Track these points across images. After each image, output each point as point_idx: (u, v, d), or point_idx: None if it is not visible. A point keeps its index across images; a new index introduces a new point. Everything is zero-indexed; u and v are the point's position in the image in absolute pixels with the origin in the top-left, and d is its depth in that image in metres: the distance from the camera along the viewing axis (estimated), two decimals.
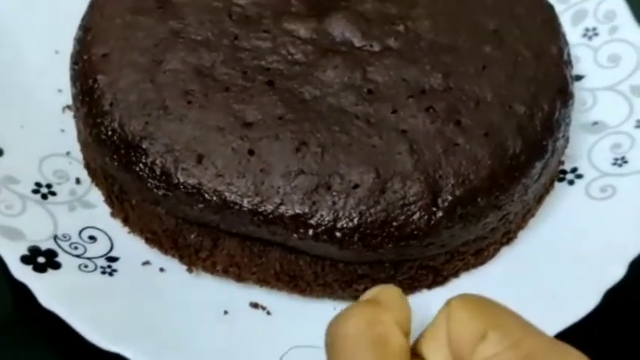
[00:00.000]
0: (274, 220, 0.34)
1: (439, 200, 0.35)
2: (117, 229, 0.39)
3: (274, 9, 0.39)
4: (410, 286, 0.37)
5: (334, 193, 0.34)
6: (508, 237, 0.39)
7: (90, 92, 0.37)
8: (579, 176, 0.42)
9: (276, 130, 0.35)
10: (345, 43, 0.38)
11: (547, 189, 0.41)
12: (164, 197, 0.35)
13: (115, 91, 0.37)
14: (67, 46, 0.43)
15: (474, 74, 0.38)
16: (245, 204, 0.34)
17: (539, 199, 0.40)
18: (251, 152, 0.35)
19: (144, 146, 0.35)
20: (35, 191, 0.38)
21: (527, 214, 0.40)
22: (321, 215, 0.34)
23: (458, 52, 0.38)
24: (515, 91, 0.38)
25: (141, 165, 0.35)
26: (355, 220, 0.34)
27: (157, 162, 0.35)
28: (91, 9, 0.41)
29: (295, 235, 0.34)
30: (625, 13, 0.46)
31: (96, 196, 0.40)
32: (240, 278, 0.37)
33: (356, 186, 0.34)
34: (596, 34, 0.46)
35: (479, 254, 0.38)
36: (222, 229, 0.36)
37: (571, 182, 0.41)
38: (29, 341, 0.37)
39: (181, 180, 0.35)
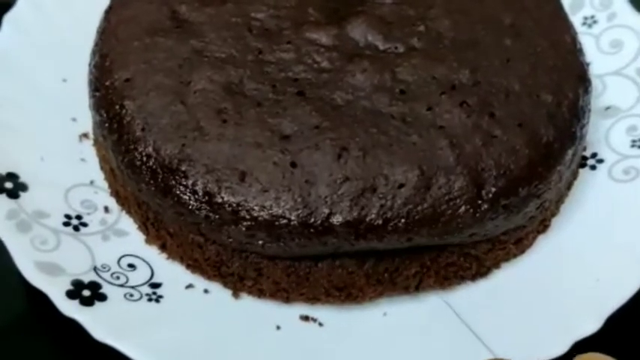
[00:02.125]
0: (325, 230, 0.32)
1: (483, 192, 0.34)
2: (154, 255, 0.37)
3: (293, 20, 0.38)
4: (455, 275, 0.36)
5: (381, 195, 0.33)
6: (544, 225, 0.38)
7: (118, 119, 0.35)
8: (600, 161, 0.41)
9: (315, 140, 0.34)
10: (369, 46, 0.37)
11: (575, 175, 0.40)
12: (206, 219, 0.33)
13: (145, 115, 0.35)
14: (74, 74, 0.41)
15: (499, 67, 0.37)
16: (294, 217, 0.32)
17: (569, 186, 0.39)
18: (293, 164, 0.33)
19: (183, 169, 0.33)
20: (66, 224, 0.36)
21: (559, 201, 0.39)
22: (371, 219, 0.33)
23: (480, 47, 0.37)
24: (541, 81, 0.37)
25: (181, 188, 0.33)
26: (404, 220, 0.33)
27: (199, 183, 0.33)
28: (103, 34, 0.39)
29: (347, 242, 0.33)
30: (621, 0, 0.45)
31: (128, 223, 0.38)
32: (288, 300, 0.35)
33: (401, 185, 0.33)
34: (595, 22, 0.46)
35: (519, 243, 0.37)
36: (265, 256, 0.34)
37: (593, 167, 0.41)
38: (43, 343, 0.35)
39: (225, 199, 0.33)
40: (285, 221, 0.32)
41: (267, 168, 0.33)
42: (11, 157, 0.38)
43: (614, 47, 0.44)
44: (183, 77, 0.35)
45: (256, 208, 0.33)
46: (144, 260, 0.36)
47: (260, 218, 0.32)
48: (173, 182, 0.33)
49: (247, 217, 0.33)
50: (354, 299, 0.35)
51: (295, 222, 0.32)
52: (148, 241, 0.37)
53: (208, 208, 0.33)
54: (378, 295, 0.35)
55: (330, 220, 0.32)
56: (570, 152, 0.36)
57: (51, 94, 0.41)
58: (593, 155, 0.41)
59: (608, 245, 0.37)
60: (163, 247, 0.36)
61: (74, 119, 0.41)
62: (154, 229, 0.36)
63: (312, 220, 0.32)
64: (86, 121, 0.41)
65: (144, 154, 0.34)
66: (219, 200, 0.33)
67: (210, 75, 0.35)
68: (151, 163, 0.34)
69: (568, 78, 0.38)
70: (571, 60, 0.39)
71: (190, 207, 0.33)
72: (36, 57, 0.42)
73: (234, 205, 0.33)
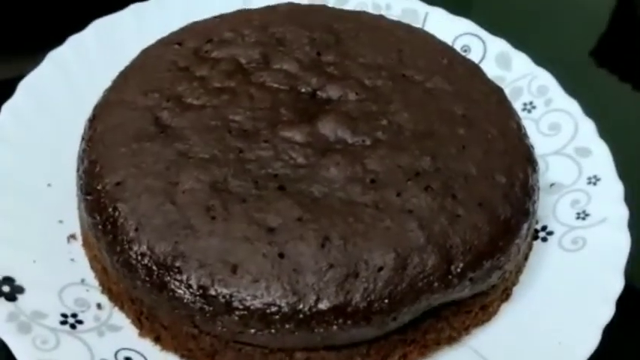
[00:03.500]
0: (313, 315, 0.34)
1: (452, 268, 0.36)
2: (149, 347, 0.38)
3: (268, 120, 0.40)
4: (433, 341, 0.38)
5: (363, 279, 0.35)
6: (506, 293, 0.41)
7: (112, 220, 0.37)
8: (550, 233, 0.44)
9: (299, 231, 0.36)
10: (339, 141, 0.40)
11: (530, 247, 0.43)
12: (201, 311, 0.35)
13: (137, 216, 0.36)
14: (58, 179, 0.43)
15: (456, 153, 0.40)
16: (284, 305, 0.34)
17: (526, 257, 0.42)
18: (281, 255, 0.35)
19: (177, 265, 0.35)
20: (63, 322, 0.37)
21: (518, 271, 0.42)
22: (356, 302, 0.35)
23: (437, 136, 0.41)
24: (494, 164, 0.40)
25: (176, 283, 0.35)
26: (387, 300, 0.35)
27: (192, 278, 0.35)
28: (90, 141, 0.40)
29: (335, 327, 0.34)
30: (555, 86, 0.50)
31: (120, 318, 0.39)
32: None
33: (380, 268, 0.35)
34: (534, 107, 0.50)
35: (485, 310, 0.40)
36: (258, 347, 0.35)
37: (544, 239, 0.44)
38: None
39: (219, 291, 0.34)
40: (276, 308, 0.34)
41: (256, 260, 0.35)
42: (6, 262, 0.38)
43: (553, 129, 0.49)
44: (171, 178, 0.37)
45: (248, 297, 0.34)
46: (139, 353, 0.37)
47: (252, 307, 0.34)
48: (168, 278, 0.35)
49: (240, 306, 0.34)
50: None
51: (285, 309, 0.34)
52: (142, 334, 0.38)
53: (203, 300, 0.34)
54: None
55: (318, 306, 0.34)
56: (525, 226, 0.39)
57: (37, 198, 0.42)
58: (544, 228, 0.44)
59: (566, 310, 0.40)
60: (157, 340, 0.37)
61: (61, 221, 0.42)
62: (148, 323, 0.37)
63: (301, 306, 0.34)
64: (72, 222, 0.42)
65: (138, 253, 0.36)
66: (213, 292, 0.34)
67: (197, 175, 0.38)
68: (145, 261, 0.35)
69: (517, 160, 0.41)
70: (518, 144, 0.42)
71: (185, 300, 0.35)
72: (20, 164, 0.43)
73: (228, 296, 0.34)
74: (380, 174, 0.38)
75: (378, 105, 0.42)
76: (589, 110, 0.49)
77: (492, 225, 0.38)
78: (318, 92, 0.43)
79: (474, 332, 0.39)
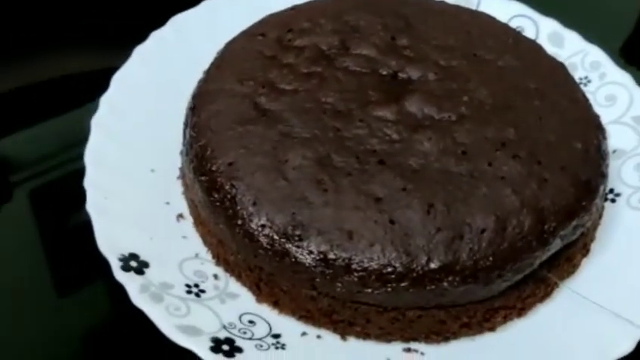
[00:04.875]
0: (425, 273, 0.37)
1: (546, 227, 0.39)
2: (267, 311, 0.40)
3: (357, 101, 0.43)
4: (531, 301, 0.41)
5: (468, 240, 0.38)
6: (586, 249, 0.44)
7: (230, 197, 0.39)
8: (618, 194, 0.47)
9: (405, 200, 0.38)
10: (427, 117, 0.42)
11: (603, 207, 0.46)
12: (322, 274, 0.37)
13: (254, 192, 0.39)
14: (159, 164, 0.46)
15: (535, 124, 0.42)
16: (398, 265, 0.37)
17: (600, 216, 0.45)
18: (392, 222, 0.38)
19: (298, 233, 0.38)
20: (188, 292, 0.40)
21: (594, 228, 0.44)
22: (463, 261, 0.37)
23: (515, 109, 0.43)
24: (570, 132, 0.43)
25: (297, 249, 0.37)
26: (491, 259, 0.38)
27: (312, 244, 0.37)
28: (195, 128, 0.43)
29: (445, 284, 0.37)
30: (607, 61, 0.52)
31: (236, 287, 0.41)
32: (390, 341, 0.39)
33: (483, 230, 0.38)
34: (589, 81, 0.52)
35: (570, 262, 0.42)
36: (373, 305, 0.38)
37: (613, 200, 0.47)
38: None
39: (338, 255, 0.37)
40: (391, 269, 0.37)
41: (369, 226, 0.38)
42: (129, 240, 0.41)
43: (609, 100, 0.51)
44: (279, 157, 0.40)
45: (365, 260, 0.37)
46: (259, 316, 0.40)
47: (370, 268, 0.37)
48: (290, 246, 0.38)
49: (358, 268, 0.37)
50: (446, 339, 0.40)
51: (400, 269, 0.37)
52: (259, 300, 0.40)
53: (323, 264, 0.37)
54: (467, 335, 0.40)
55: (430, 265, 0.37)
56: (602, 187, 0.42)
57: (144, 183, 0.45)
58: (611, 191, 0.47)
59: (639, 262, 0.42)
60: (275, 304, 0.40)
61: (168, 203, 0.45)
62: (267, 288, 0.40)
63: (415, 265, 0.37)
64: (178, 203, 0.45)
65: (259, 224, 0.38)
66: (333, 257, 0.37)
67: (303, 152, 0.40)
68: (267, 232, 0.38)
69: (589, 127, 0.44)
70: (587, 113, 0.45)
71: (307, 265, 0.37)
72: (124, 153, 0.46)
73: (347, 259, 0.37)
74: (469, 146, 0.41)
75: (457, 83, 0.44)
76: None
77: (575, 187, 0.40)
78: (399, 74, 0.45)
79: (564, 283, 0.42)
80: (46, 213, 0.48)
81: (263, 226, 0.38)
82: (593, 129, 0.44)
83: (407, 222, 0.38)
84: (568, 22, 0.55)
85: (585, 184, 0.41)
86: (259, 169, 0.40)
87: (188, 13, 0.53)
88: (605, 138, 0.44)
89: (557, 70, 0.47)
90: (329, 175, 0.39)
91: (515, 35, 0.49)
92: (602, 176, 0.42)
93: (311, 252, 0.37)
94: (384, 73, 0.45)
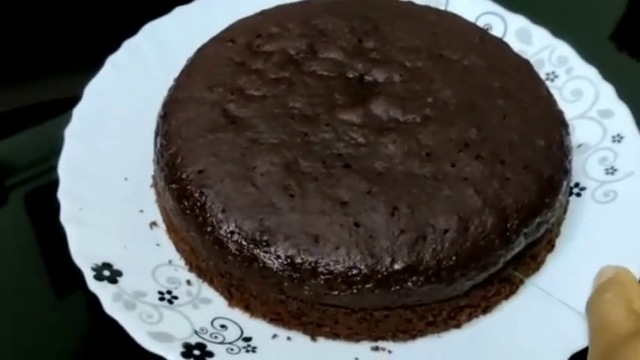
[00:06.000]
0: (390, 274, 0.37)
1: (508, 225, 0.39)
2: (239, 315, 0.41)
3: (325, 105, 0.43)
4: (496, 300, 0.41)
5: (431, 241, 0.38)
6: (551, 244, 0.44)
7: (200, 205, 0.40)
8: (583, 188, 0.47)
9: (370, 204, 0.39)
10: (392, 120, 0.43)
11: (568, 201, 0.46)
12: (289, 278, 0.38)
13: (223, 199, 0.39)
14: (133, 173, 0.46)
15: (498, 123, 0.43)
16: (363, 267, 0.37)
17: (565, 211, 0.46)
18: (357, 224, 0.38)
19: (265, 239, 0.38)
20: (161, 299, 0.40)
21: (559, 224, 0.45)
22: (427, 261, 0.38)
23: (479, 109, 0.43)
24: (533, 130, 0.43)
25: (265, 255, 0.38)
26: (454, 258, 0.38)
27: (280, 249, 0.38)
28: (166, 136, 0.43)
29: (410, 284, 0.38)
30: (574, 56, 0.53)
31: (209, 292, 0.42)
32: (358, 341, 0.40)
33: (446, 231, 0.38)
34: (556, 76, 0.52)
35: (535, 259, 0.43)
36: (340, 307, 0.38)
37: (578, 194, 0.47)
38: None
39: (305, 259, 0.38)
40: (356, 271, 0.37)
41: (335, 230, 0.38)
42: (103, 250, 0.41)
43: (576, 95, 0.51)
44: (248, 163, 0.40)
45: (331, 262, 0.37)
46: (231, 320, 0.40)
47: (335, 271, 0.37)
48: (258, 251, 0.38)
49: (325, 271, 0.37)
50: (413, 337, 0.40)
51: (365, 270, 0.37)
52: (231, 304, 0.41)
53: (291, 268, 0.38)
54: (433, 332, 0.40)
55: (394, 266, 0.37)
56: (565, 183, 0.43)
57: (117, 191, 0.45)
58: (576, 185, 0.47)
59: (605, 254, 0.42)
60: (247, 308, 0.41)
61: (141, 211, 0.45)
62: (238, 293, 0.40)
63: (379, 267, 0.37)
64: (151, 211, 0.45)
65: (228, 231, 0.39)
66: (300, 260, 0.38)
67: (270, 159, 0.40)
68: (235, 238, 0.38)
69: (552, 124, 0.44)
70: (551, 109, 0.45)
71: (275, 270, 0.38)
72: (97, 162, 0.46)
73: (313, 263, 0.37)
74: (433, 147, 0.41)
75: (421, 84, 0.45)
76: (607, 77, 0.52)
77: (538, 184, 0.41)
78: (365, 76, 0.45)
79: (529, 279, 0.43)
80: (29, 222, 0.48)
81: (232, 232, 0.38)
82: (556, 125, 0.44)
83: (371, 224, 0.38)
84: (539, 17, 0.55)
85: (548, 181, 0.41)
86: (228, 176, 0.40)
87: (161, 21, 0.53)
88: (568, 134, 0.45)
89: (523, 68, 0.47)
90: (296, 181, 0.39)
91: (482, 34, 0.50)
92: (565, 172, 0.43)
93: (278, 257, 0.38)
94: (351, 76, 0.45)
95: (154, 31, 0.53)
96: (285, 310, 0.39)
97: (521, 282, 0.41)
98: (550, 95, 0.46)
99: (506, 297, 0.42)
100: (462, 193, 0.39)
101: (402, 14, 0.50)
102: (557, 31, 0.54)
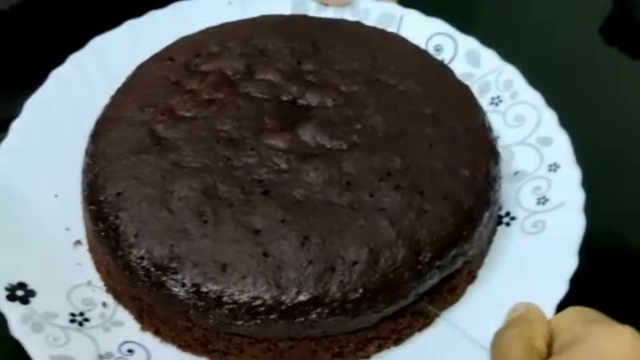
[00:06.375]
0: (294, 306, 0.37)
1: (421, 258, 0.39)
2: (149, 339, 0.41)
3: (253, 129, 0.43)
4: (408, 332, 0.41)
5: (339, 273, 0.38)
6: (472, 276, 0.44)
7: (114, 228, 0.40)
8: (513, 218, 0.46)
9: (282, 232, 0.38)
10: (319, 146, 0.42)
11: (494, 232, 0.46)
12: (194, 307, 0.38)
13: (137, 224, 0.39)
14: (64, 190, 0.45)
15: (424, 151, 0.42)
16: (268, 298, 0.37)
17: (490, 241, 0.45)
18: (265, 254, 0.38)
19: (173, 266, 0.38)
20: (72, 321, 0.40)
21: (482, 255, 0.44)
22: (333, 293, 0.38)
23: (407, 136, 0.43)
24: (458, 159, 0.42)
25: (172, 282, 0.38)
26: (360, 291, 0.38)
27: (187, 277, 0.38)
28: (93, 156, 0.43)
29: (314, 316, 0.37)
30: (520, 80, 0.52)
31: (123, 314, 0.41)
32: None
33: (355, 263, 0.38)
34: (501, 101, 0.51)
35: (452, 292, 0.42)
36: (245, 336, 0.38)
37: (508, 224, 0.46)
38: None
39: (210, 288, 0.37)
40: (261, 301, 0.37)
41: (243, 259, 0.38)
42: (19, 268, 0.41)
43: (518, 121, 0.51)
44: (167, 187, 0.40)
45: (236, 292, 0.37)
46: (140, 344, 0.40)
47: (240, 301, 0.37)
48: (165, 278, 0.38)
49: (229, 301, 0.37)
50: None
51: (270, 301, 0.37)
52: (143, 328, 0.41)
53: (196, 297, 0.38)
54: None
55: (299, 297, 0.37)
56: (487, 214, 0.42)
57: (45, 208, 0.45)
58: (507, 214, 0.47)
59: (524, 288, 0.41)
60: (157, 333, 0.41)
61: (67, 229, 0.44)
62: (149, 318, 0.40)
63: (284, 298, 0.37)
64: (78, 229, 0.45)
65: (138, 256, 0.39)
66: (205, 289, 0.37)
67: (189, 183, 0.40)
68: (144, 264, 0.38)
69: (480, 154, 0.44)
70: (482, 138, 0.45)
71: (180, 297, 0.38)
72: (28, 178, 0.46)
73: (218, 292, 0.37)
74: (355, 176, 0.41)
75: (354, 110, 0.44)
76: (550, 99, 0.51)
77: (456, 216, 0.40)
78: (299, 100, 0.45)
79: (443, 314, 0.42)
80: None
81: (142, 257, 0.38)
82: (484, 155, 0.44)
83: (280, 254, 0.38)
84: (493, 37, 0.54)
85: (467, 213, 0.41)
86: (146, 199, 0.40)
87: (108, 35, 0.53)
88: (497, 164, 0.44)
89: (459, 94, 0.47)
90: (212, 207, 0.39)
91: (423, 58, 0.49)
92: (488, 203, 0.42)
93: (184, 285, 0.38)
94: (284, 99, 0.45)
95: (100, 45, 0.52)
96: (192, 337, 0.39)
97: (437, 315, 0.41)
98: (484, 123, 0.46)
99: (420, 329, 0.41)
100: (376, 224, 0.39)
101: (346, 35, 0.49)
102: (507, 54, 0.53)
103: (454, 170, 0.42)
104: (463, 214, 0.41)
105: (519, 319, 0.36)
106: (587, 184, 0.46)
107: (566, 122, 0.50)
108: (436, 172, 0.42)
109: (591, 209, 0.45)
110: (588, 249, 0.44)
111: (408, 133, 0.43)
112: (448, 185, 0.41)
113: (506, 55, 0.53)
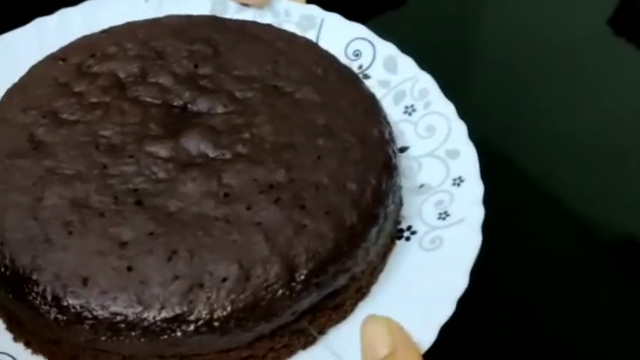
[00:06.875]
0: (157, 323, 0.36)
1: (296, 275, 0.38)
2: (21, 350, 0.39)
3: (136, 135, 0.42)
4: (288, 351, 0.40)
5: (207, 290, 0.36)
6: (362, 292, 0.42)
7: None
8: (414, 232, 0.45)
9: (149, 246, 0.37)
10: (201, 155, 0.41)
11: (389, 247, 0.44)
12: (55, 321, 0.36)
13: (2, 231, 0.38)
14: None
15: (311, 164, 0.41)
16: (129, 314, 0.36)
17: (383, 257, 0.44)
18: (130, 268, 0.37)
19: (34, 277, 0.36)
20: None
21: (374, 270, 0.43)
22: (199, 311, 0.36)
23: (295, 148, 0.42)
24: (347, 173, 0.41)
25: (33, 294, 0.36)
26: (228, 309, 0.36)
27: (47, 289, 0.36)
28: None
29: (179, 334, 0.36)
30: (435, 89, 0.50)
31: None
32: None
33: (224, 279, 0.37)
34: (414, 110, 0.50)
35: (338, 309, 0.41)
36: (112, 352, 0.37)
37: (408, 238, 0.45)
38: None
39: (70, 302, 0.36)
40: (122, 317, 0.36)
41: (106, 272, 0.36)
42: None
43: (429, 132, 0.49)
44: (36, 194, 0.39)
45: (97, 308, 0.36)
46: (10, 356, 0.39)
47: (100, 317, 0.36)
48: (26, 289, 0.36)
49: (90, 316, 0.36)
50: None
51: (131, 318, 0.36)
52: (15, 339, 0.40)
53: (57, 310, 0.36)
54: None
55: (162, 314, 0.36)
56: (375, 230, 0.41)
57: None
58: (409, 228, 0.46)
59: (413, 306, 0.41)
60: (28, 344, 0.39)
61: None
62: (18, 329, 0.39)
63: (146, 314, 0.36)
64: None
65: (2, 266, 0.37)
66: (65, 303, 0.36)
67: (60, 191, 0.39)
68: (8, 274, 0.37)
69: (373, 167, 0.42)
70: (377, 151, 0.43)
71: (41, 310, 0.36)
72: None
73: (78, 306, 0.36)
74: (235, 188, 0.40)
75: (244, 118, 0.43)
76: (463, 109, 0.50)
77: (337, 232, 0.39)
78: (189, 106, 0.44)
79: (330, 332, 0.41)
80: None
81: (6, 267, 0.37)
82: (377, 168, 0.42)
83: (145, 269, 0.36)
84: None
85: (350, 229, 0.40)
86: (14, 206, 0.38)
87: (15, 33, 0.51)
88: (391, 178, 0.43)
89: (360, 104, 0.45)
90: (80, 217, 0.38)
91: (328, 65, 0.48)
92: (374, 219, 0.41)
93: (45, 297, 0.36)
94: (175, 104, 0.43)
95: (7, 42, 0.51)
96: (60, 350, 0.38)
97: (314, 336, 0.40)
98: (382, 135, 0.44)
99: (304, 347, 0.40)
100: (250, 239, 0.38)
101: (250, 39, 0.48)
102: (422, 63, 0.52)
103: (341, 184, 0.41)
104: (345, 229, 0.39)
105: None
106: (496, 199, 0.45)
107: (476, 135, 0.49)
108: (321, 185, 0.40)
109: (494, 227, 0.44)
110: (481, 268, 0.43)
111: (297, 145, 0.42)
112: (332, 200, 0.40)
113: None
